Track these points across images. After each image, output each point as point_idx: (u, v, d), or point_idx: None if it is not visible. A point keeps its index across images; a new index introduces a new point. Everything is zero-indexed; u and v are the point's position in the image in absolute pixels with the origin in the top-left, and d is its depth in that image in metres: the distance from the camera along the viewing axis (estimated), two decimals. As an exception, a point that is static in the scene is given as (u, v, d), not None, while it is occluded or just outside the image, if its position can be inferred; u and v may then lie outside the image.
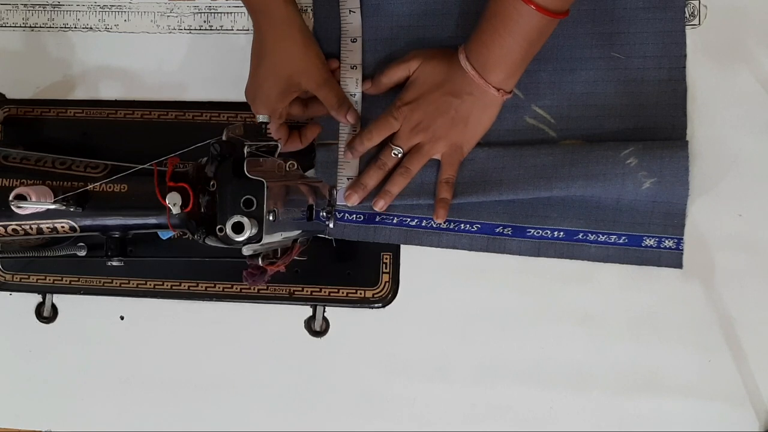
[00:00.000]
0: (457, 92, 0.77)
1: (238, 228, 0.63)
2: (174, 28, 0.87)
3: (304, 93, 0.81)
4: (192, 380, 0.87)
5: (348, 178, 0.82)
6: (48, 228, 0.71)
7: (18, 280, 0.89)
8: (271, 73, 0.77)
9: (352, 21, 0.83)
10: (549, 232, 0.82)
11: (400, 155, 0.80)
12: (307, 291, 0.85)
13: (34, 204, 0.68)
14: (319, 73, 0.80)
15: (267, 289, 0.85)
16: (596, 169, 0.78)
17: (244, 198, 0.64)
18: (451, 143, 0.79)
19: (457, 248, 0.83)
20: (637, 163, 0.77)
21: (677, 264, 0.80)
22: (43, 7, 0.89)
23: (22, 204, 0.68)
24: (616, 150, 0.78)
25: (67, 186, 0.70)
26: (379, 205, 0.80)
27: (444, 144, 0.79)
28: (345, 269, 0.85)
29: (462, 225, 0.82)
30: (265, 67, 0.77)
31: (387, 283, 0.84)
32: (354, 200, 0.80)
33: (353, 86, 0.83)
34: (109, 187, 0.71)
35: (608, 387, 0.82)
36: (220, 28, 0.87)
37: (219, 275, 0.86)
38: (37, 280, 0.89)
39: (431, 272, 0.84)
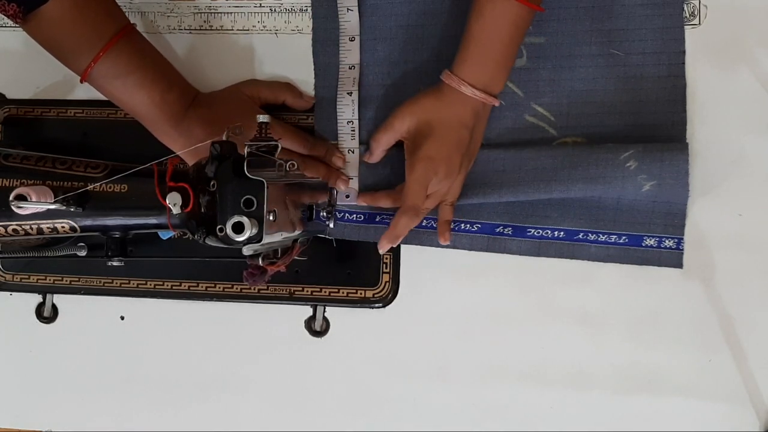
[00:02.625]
0: (466, 121, 0.76)
1: (239, 228, 0.63)
2: (174, 28, 0.87)
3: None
4: (192, 380, 0.87)
5: (349, 179, 0.82)
6: (48, 228, 0.71)
7: (18, 280, 0.89)
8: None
9: (350, 19, 0.83)
10: (549, 231, 0.82)
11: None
12: (307, 291, 0.85)
13: (35, 204, 0.68)
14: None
15: (267, 289, 0.85)
16: (596, 172, 0.78)
17: (244, 198, 0.64)
18: (466, 171, 0.79)
19: (457, 248, 0.83)
20: (636, 166, 0.77)
21: (677, 264, 0.80)
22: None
23: (23, 204, 0.68)
24: (615, 153, 0.78)
25: (67, 186, 0.70)
26: (386, 247, 0.78)
27: (461, 176, 0.78)
28: (345, 269, 0.85)
29: (462, 225, 0.82)
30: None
31: (387, 283, 0.84)
32: (387, 249, 0.78)
33: (350, 85, 0.83)
34: (110, 187, 0.71)
35: (608, 387, 0.82)
36: (220, 28, 0.87)
37: (219, 275, 0.86)
38: (37, 280, 0.89)
39: (431, 272, 0.84)
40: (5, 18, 0.74)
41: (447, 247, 0.83)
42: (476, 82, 0.75)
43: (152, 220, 0.71)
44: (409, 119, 0.77)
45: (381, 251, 0.78)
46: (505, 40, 0.74)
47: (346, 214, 0.83)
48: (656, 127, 0.80)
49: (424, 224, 0.83)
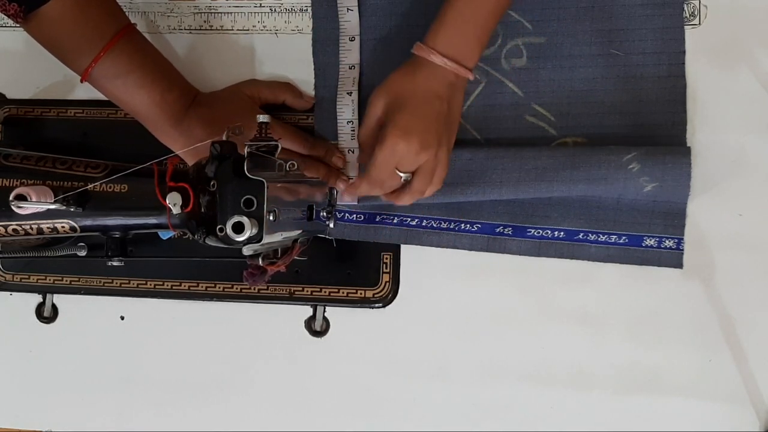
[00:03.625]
0: (441, 93, 0.74)
1: (239, 228, 0.63)
2: (174, 28, 0.87)
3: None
4: (192, 380, 0.87)
5: (349, 178, 0.82)
6: (48, 228, 0.71)
7: (18, 280, 0.89)
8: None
9: (350, 19, 0.83)
10: (549, 231, 0.82)
11: (409, 179, 0.74)
12: (307, 291, 0.85)
13: (35, 204, 0.68)
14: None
15: (267, 289, 0.85)
16: (598, 173, 0.77)
17: (244, 198, 0.64)
18: (448, 146, 0.76)
19: (458, 248, 0.83)
20: (639, 169, 0.77)
21: (677, 264, 0.80)
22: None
23: (23, 204, 0.68)
24: (618, 155, 0.77)
25: (67, 186, 0.70)
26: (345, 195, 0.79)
27: (443, 150, 0.75)
28: (345, 269, 0.85)
29: (462, 225, 0.82)
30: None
31: (387, 283, 0.84)
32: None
33: (350, 85, 0.83)
34: (110, 187, 0.71)
35: (608, 387, 0.82)
36: (220, 28, 0.87)
37: (219, 275, 0.86)
38: (37, 280, 0.89)
39: (431, 272, 0.84)
40: (5, 18, 0.74)
41: (447, 247, 0.83)
42: (446, 51, 0.72)
43: (152, 220, 0.71)
44: (383, 99, 0.74)
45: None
46: (485, 13, 0.73)
47: (346, 214, 0.83)
48: (656, 127, 0.80)
49: (424, 224, 0.83)
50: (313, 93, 0.85)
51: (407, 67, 0.75)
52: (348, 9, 0.83)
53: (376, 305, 0.85)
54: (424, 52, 0.73)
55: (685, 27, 0.80)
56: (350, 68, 0.84)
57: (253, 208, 0.64)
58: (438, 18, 0.74)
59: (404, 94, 0.74)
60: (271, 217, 0.64)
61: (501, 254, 0.82)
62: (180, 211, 0.66)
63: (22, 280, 0.89)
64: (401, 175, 0.74)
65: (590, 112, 0.81)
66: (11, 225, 0.71)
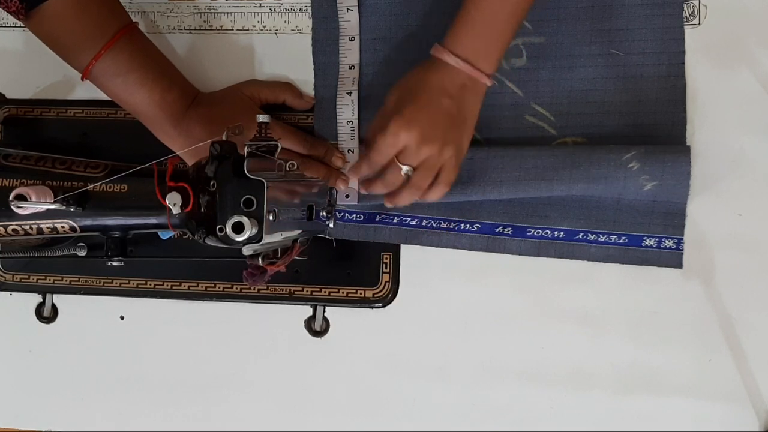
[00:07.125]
0: (451, 92, 0.74)
1: (238, 228, 0.63)
2: (174, 28, 0.87)
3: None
4: (192, 380, 0.87)
5: (349, 179, 0.82)
6: (48, 228, 0.71)
7: (18, 280, 0.89)
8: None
9: (350, 19, 0.83)
10: (549, 231, 0.82)
11: (410, 173, 0.74)
12: (307, 291, 0.85)
13: (34, 204, 0.68)
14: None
15: (267, 289, 0.85)
16: (598, 172, 0.78)
17: (244, 198, 0.64)
18: (456, 147, 0.76)
19: (457, 248, 0.83)
20: (639, 167, 0.77)
21: (677, 264, 0.80)
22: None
23: (22, 204, 0.68)
24: (618, 153, 0.77)
25: (67, 186, 0.70)
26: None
27: (450, 149, 0.75)
28: (345, 269, 0.85)
29: (462, 225, 0.82)
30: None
31: (387, 283, 0.84)
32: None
33: (350, 85, 0.83)
34: (109, 187, 0.71)
35: (608, 387, 0.82)
36: (220, 28, 0.87)
37: (219, 275, 0.86)
38: (37, 280, 0.89)
39: (431, 272, 0.84)
40: (5, 17, 0.74)
41: (447, 247, 0.83)
42: (460, 52, 0.73)
43: (152, 220, 0.71)
44: (395, 93, 0.75)
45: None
46: (499, 18, 0.73)
47: (346, 214, 0.83)
48: (656, 127, 0.80)
49: (424, 224, 0.83)
50: (313, 93, 0.85)
51: (422, 65, 0.75)
52: (348, 9, 0.83)
53: (376, 305, 0.85)
54: (439, 52, 0.74)
55: (685, 27, 0.80)
56: (350, 68, 0.84)
57: (253, 208, 0.64)
58: (453, 22, 0.74)
59: (414, 89, 0.74)
60: (271, 217, 0.64)
61: (501, 254, 0.82)
62: (180, 211, 0.66)
63: (22, 280, 0.89)
64: (402, 167, 0.74)
65: (590, 112, 0.81)
66: (11, 225, 0.71)
